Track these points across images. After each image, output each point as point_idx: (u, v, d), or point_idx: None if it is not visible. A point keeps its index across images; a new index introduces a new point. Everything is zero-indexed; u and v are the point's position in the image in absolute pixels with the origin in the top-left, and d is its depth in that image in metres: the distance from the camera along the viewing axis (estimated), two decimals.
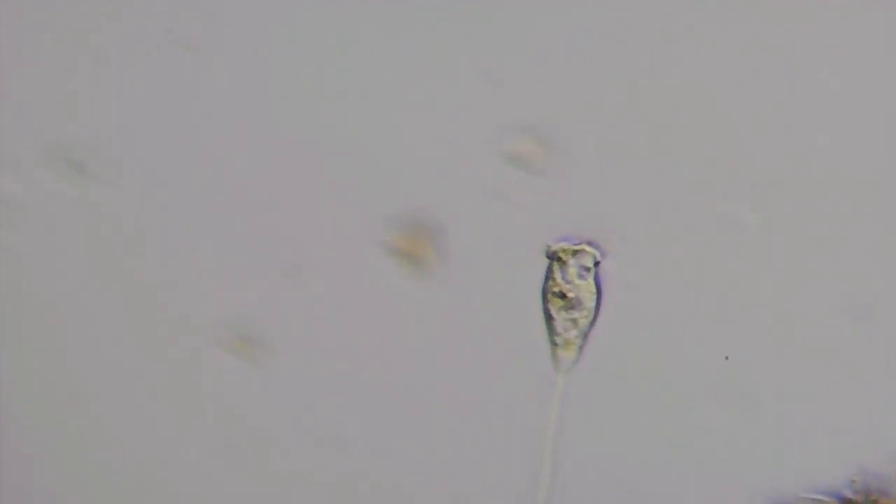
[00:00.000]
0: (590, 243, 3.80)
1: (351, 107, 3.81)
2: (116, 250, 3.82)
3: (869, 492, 3.74)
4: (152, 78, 3.83)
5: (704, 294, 3.79)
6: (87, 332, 3.82)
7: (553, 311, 3.80)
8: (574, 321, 3.80)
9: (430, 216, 3.81)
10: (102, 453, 3.81)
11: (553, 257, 3.80)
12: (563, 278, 3.80)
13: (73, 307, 3.81)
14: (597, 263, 3.80)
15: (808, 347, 3.79)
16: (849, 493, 3.75)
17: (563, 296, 3.80)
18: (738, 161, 3.80)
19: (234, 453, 3.79)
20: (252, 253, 3.82)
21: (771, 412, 3.78)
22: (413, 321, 3.81)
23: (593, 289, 3.80)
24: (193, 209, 3.82)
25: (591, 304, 3.80)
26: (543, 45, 3.79)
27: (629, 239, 3.80)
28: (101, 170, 3.81)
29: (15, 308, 3.80)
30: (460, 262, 3.82)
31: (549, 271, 3.81)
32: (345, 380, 3.81)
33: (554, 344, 3.80)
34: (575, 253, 3.80)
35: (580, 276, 3.80)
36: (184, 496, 3.80)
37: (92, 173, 3.80)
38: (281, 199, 3.82)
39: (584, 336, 3.80)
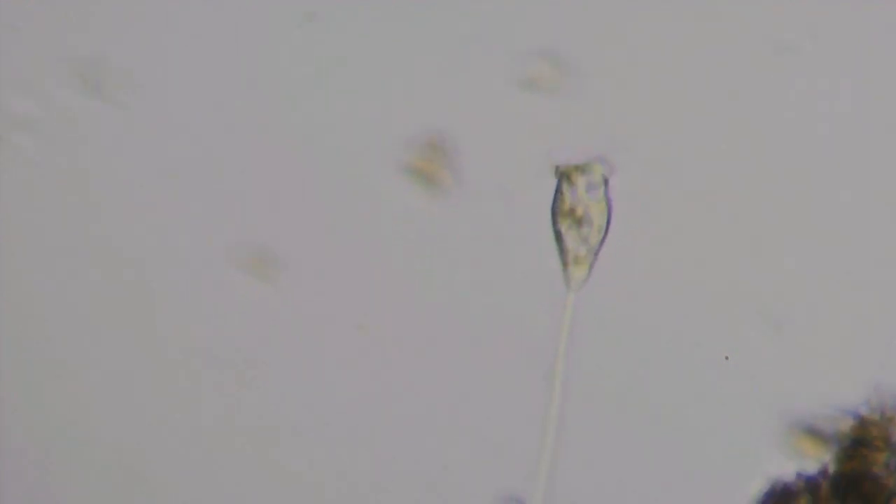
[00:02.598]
0: (598, 160, 3.80)
1: (366, 29, 3.86)
2: (131, 169, 3.89)
3: (885, 409, 3.71)
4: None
5: (721, 210, 3.78)
6: (99, 247, 3.88)
7: (563, 229, 3.80)
8: (584, 238, 3.80)
9: (445, 137, 3.84)
10: (107, 375, 3.88)
11: (562, 176, 3.81)
12: (572, 196, 3.80)
13: (87, 222, 3.88)
14: (606, 180, 3.80)
15: (827, 269, 3.77)
16: (865, 411, 3.71)
17: (572, 213, 3.80)
18: (751, 93, 3.80)
19: (241, 375, 3.83)
20: (267, 174, 3.87)
21: (788, 330, 3.76)
22: (428, 240, 3.83)
23: (603, 205, 3.80)
24: (211, 130, 3.87)
25: (601, 221, 3.80)
26: None
27: (643, 156, 3.81)
28: (118, 89, 3.88)
29: (31, 220, 3.88)
30: (475, 183, 3.84)
31: (558, 190, 3.82)
32: (358, 298, 3.85)
33: (564, 262, 3.80)
34: (583, 170, 3.80)
35: (589, 193, 3.80)
36: (188, 422, 3.86)
37: (108, 92, 3.87)
38: (297, 122, 3.86)
39: (595, 253, 3.80)
